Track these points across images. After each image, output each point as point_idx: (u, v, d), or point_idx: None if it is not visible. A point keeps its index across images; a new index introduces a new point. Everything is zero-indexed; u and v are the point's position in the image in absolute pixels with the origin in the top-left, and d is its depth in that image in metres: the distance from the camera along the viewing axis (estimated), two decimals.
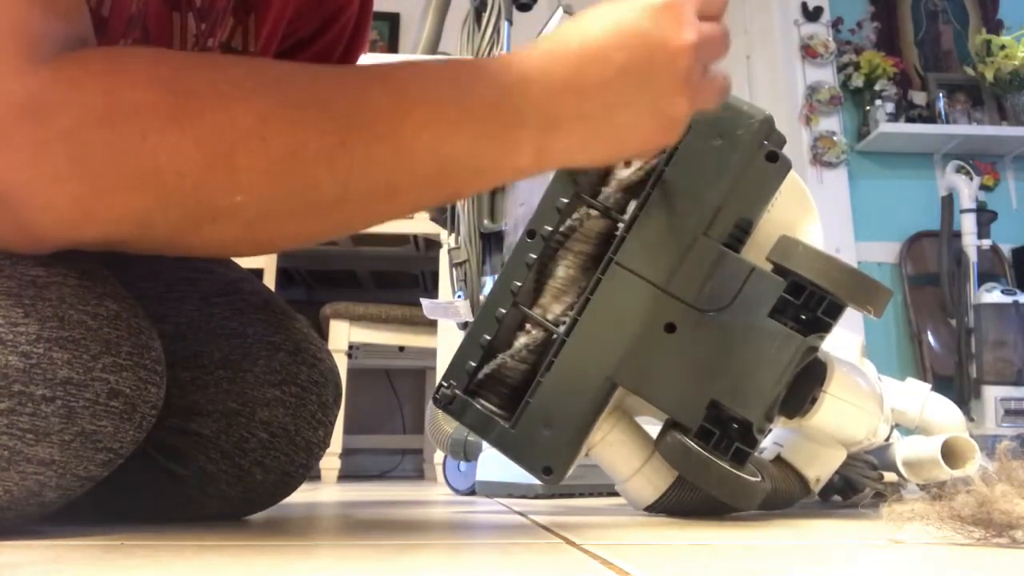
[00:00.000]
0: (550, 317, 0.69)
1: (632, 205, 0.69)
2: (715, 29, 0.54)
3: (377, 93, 0.49)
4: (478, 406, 0.69)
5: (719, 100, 0.56)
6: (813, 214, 0.73)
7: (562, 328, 0.67)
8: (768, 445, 0.80)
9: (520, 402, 0.68)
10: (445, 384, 0.71)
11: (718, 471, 0.64)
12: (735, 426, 0.66)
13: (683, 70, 0.51)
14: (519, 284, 0.69)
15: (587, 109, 0.51)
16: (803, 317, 0.67)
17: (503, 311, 0.69)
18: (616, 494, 0.79)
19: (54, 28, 0.45)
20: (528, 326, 0.70)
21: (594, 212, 0.68)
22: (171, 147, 0.44)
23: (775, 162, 0.67)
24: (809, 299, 0.66)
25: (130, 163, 0.44)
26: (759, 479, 0.66)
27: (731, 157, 0.66)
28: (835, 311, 0.66)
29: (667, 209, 0.66)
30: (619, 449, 0.71)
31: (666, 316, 0.66)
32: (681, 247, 0.66)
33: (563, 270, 0.69)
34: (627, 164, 0.68)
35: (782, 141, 0.68)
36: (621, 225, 0.68)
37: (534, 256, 0.69)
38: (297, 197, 0.47)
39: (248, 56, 0.55)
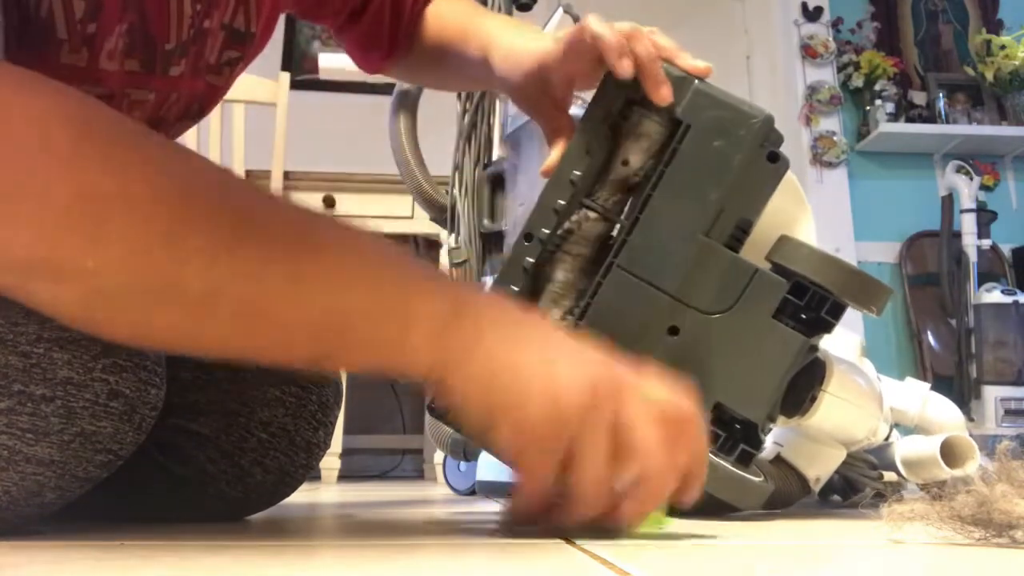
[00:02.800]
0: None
1: (629, 206, 0.68)
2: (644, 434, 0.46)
3: (291, 214, 0.46)
4: None
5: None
6: (806, 211, 0.73)
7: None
8: (768, 444, 0.80)
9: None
10: None
11: (724, 473, 0.64)
12: (737, 427, 0.66)
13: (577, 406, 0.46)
14: (516, 288, 0.68)
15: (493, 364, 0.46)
16: (803, 317, 0.67)
17: None
18: None
19: None
20: None
21: (592, 215, 0.68)
22: (45, 178, 0.40)
23: (775, 162, 0.66)
24: (811, 299, 0.66)
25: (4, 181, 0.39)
26: (762, 479, 0.66)
27: (733, 158, 0.65)
28: (837, 311, 0.66)
29: (668, 211, 0.65)
30: None
31: (669, 319, 0.66)
32: (683, 249, 0.65)
33: (561, 274, 0.68)
34: (625, 163, 0.67)
35: (781, 140, 0.67)
36: (619, 227, 0.68)
37: (531, 260, 0.67)
38: (151, 282, 0.41)
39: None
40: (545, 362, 0.47)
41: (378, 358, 0.46)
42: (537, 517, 0.48)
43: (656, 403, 0.48)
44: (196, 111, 0.69)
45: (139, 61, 0.59)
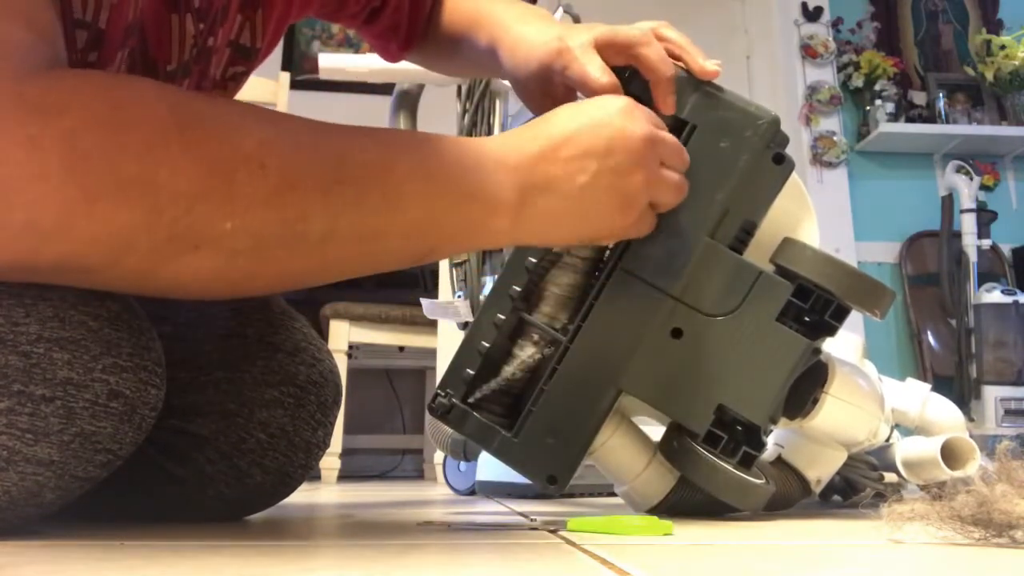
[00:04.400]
0: (551, 322, 0.67)
1: None
2: (675, 143, 0.61)
3: (367, 142, 0.51)
4: (477, 415, 0.67)
5: (674, 196, 0.61)
6: (810, 213, 0.73)
7: (563, 334, 0.66)
8: (769, 446, 0.80)
9: (521, 409, 0.66)
10: (441, 393, 0.68)
11: (726, 475, 0.63)
12: (739, 428, 0.66)
13: (637, 153, 0.57)
14: (518, 289, 0.67)
15: (556, 183, 0.56)
16: (807, 319, 0.67)
17: (502, 317, 0.67)
18: (615, 494, 0.79)
19: (39, 44, 0.45)
20: (530, 332, 0.68)
21: None
22: (172, 162, 0.43)
23: (781, 164, 0.66)
24: (815, 303, 0.66)
25: (128, 172, 0.43)
26: (764, 481, 0.66)
27: (739, 159, 0.65)
28: (841, 314, 0.66)
29: (673, 211, 0.65)
30: (621, 453, 0.71)
31: (672, 321, 0.65)
32: (687, 251, 0.65)
33: (564, 275, 0.68)
34: None
35: (786, 141, 0.67)
36: None
37: (533, 260, 0.67)
38: (286, 229, 0.47)
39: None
40: (603, 181, 0.57)
41: (469, 245, 0.57)
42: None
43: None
44: None
45: None
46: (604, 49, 0.64)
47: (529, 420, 0.65)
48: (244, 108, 0.48)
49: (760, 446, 0.66)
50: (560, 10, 1.37)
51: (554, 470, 0.65)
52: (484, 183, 0.54)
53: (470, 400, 0.68)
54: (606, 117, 0.57)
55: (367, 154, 0.51)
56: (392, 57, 0.86)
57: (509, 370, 0.67)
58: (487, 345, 0.68)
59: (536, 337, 0.68)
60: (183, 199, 0.44)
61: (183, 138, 0.44)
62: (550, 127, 0.57)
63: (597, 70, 0.62)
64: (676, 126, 0.65)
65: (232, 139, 0.45)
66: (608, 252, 0.68)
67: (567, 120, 0.58)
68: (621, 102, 0.59)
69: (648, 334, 0.65)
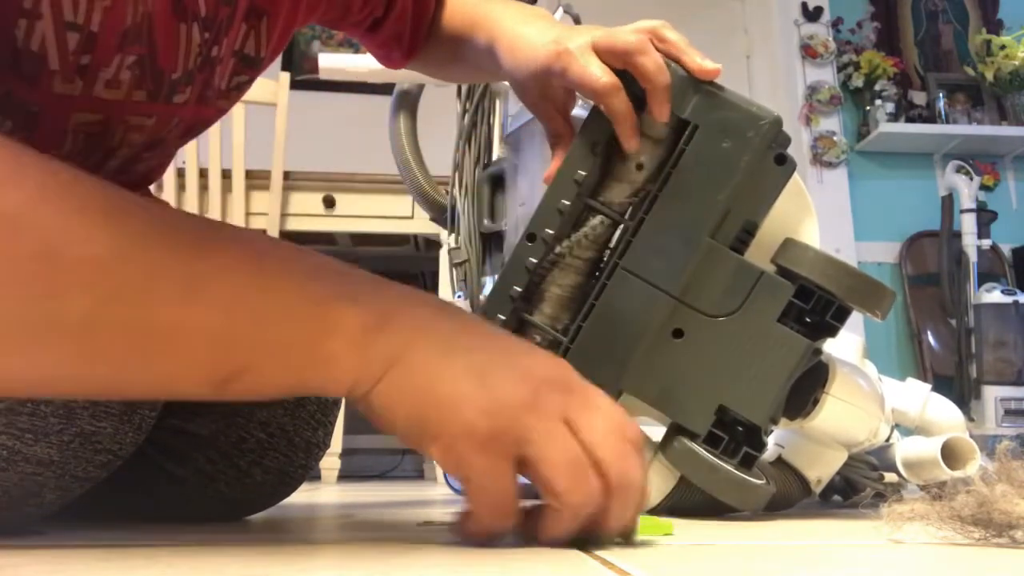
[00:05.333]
0: (552, 323, 0.67)
1: (634, 207, 0.68)
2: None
3: (184, 222, 0.42)
4: None
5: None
6: (811, 213, 0.73)
7: (563, 335, 0.66)
8: (769, 446, 0.80)
9: None
10: None
11: (727, 476, 0.63)
12: (740, 429, 0.66)
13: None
14: (519, 290, 0.67)
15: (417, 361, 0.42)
16: (807, 320, 0.67)
17: (502, 318, 0.67)
18: None
19: None
20: (531, 333, 0.68)
21: (606, 220, 0.66)
22: None
23: (782, 164, 0.66)
24: (816, 303, 0.66)
25: None
26: (764, 481, 0.66)
27: (740, 159, 0.64)
28: (842, 315, 0.66)
29: (673, 212, 0.64)
30: None
31: (673, 322, 0.65)
32: (688, 251, 0.65)
33: (565, 275, 0.67)
34: (639, 168, 0.66)
35: (788, 142, 0.67)
36: (624, 228, 0.67)
37: (534, 260, 0.66)
38: (35, 307, 0.36)
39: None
40: (481, 364, 0.43)
41: (293, 373, 0.41)
42: (501, 531, 0.44)
43: (606, 412, 0.44)
44: (199, 129, 0.68)
45: (146, 92, 0.58)
46: (602, 54, 0.63)
47: None
48: (22, 155, 0.38)
49: (761, 446, 0.66)
50: (560, 10, 1.37)
51: None
52: (326, 305, 0.41)
53: None
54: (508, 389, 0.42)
55: (177, 233, 0.40)
56: (395, 65, 0.85)
57: None
58: None
59: (538, 338, 0.67)
60: None
61: None
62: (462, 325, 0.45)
63: (598, 70, 0.62)
64: (678, 126, 0.65)
65: None
66: (609, 252, 0.68)
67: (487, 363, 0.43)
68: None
69: (649, 334, 0.65)
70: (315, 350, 0.41)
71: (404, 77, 1.46)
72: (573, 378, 0.45)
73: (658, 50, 0.64)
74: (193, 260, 0.39)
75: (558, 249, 0.67)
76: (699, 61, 0.64)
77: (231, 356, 0.40)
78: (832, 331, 0.67)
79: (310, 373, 0.41)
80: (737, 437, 0.66)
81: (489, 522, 0.43)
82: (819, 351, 0.68)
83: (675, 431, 0.67)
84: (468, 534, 0.44)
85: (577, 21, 1.37)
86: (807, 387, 0.70)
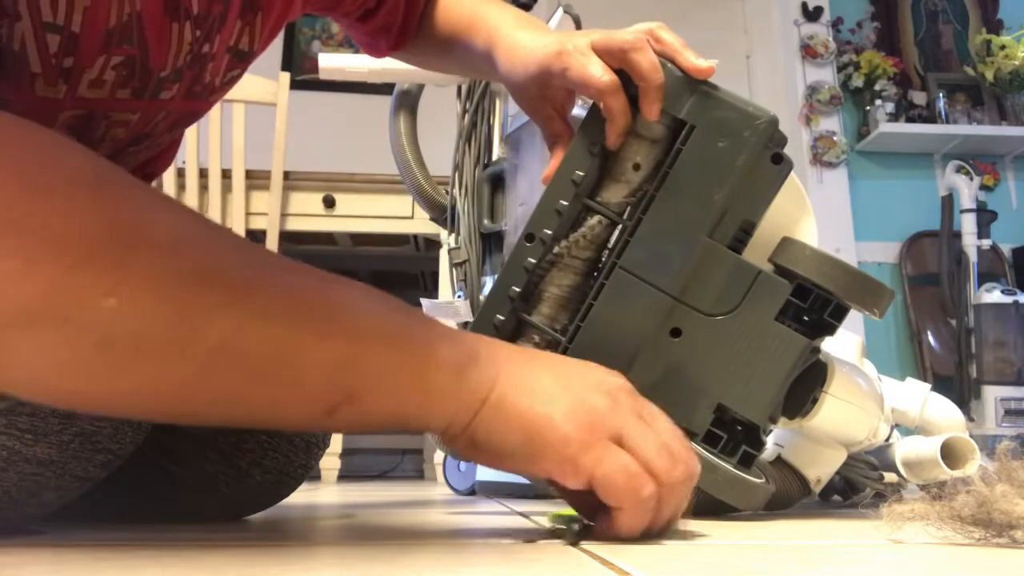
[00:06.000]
0: (551, 323, 0.67)
1: (631, 207, 0.68)
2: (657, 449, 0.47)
3: (304, 271, 0.43)
4: None
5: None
6: (808, 212, 0.73)
7: (562, 335, 0.66)
8: (768, 445, 0.80)
9: None
10: None
11: (726, 475, 0.63)
12: (739, 428, 0.66)
13: (571, 455, 0.45)
14: (517, 290, 0.67)
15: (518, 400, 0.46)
16: (806, 319, 0.67)
17: (501, 318, 0.67)
18: None
19: None
20: (530, 334, 0.67)
21: (604, 220, 0.66)
22: (76, 212, 0.36)
23: (779, 164, 0.66)
24: (814, 302, 0.66)
25: (15, 208, 0.34)
26: (763, 481, 0.66)
27: (737, 159, 0.64)
28: (840, 313, 0.66)
29: (671, 211, 0.64)
30: None
31: (671, 321, 0.65)
32: (686, 251, 0.65)
33: (563, 275, 0.67)
34: (636, 168, 0.66)
35: (784, 141, 0.67)
36: (621, 228, 0.67)
37: (533, 261, 0.66)
38: (177, 326, 0.37)
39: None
40: (563, 380, 0.48)
41: (399, 405, 0.44)
42: (648, 508, 0.47)
43: (662, 415, 0.50)
44: (186, 122, 0.68)
45: (131, 90, 0.57)
46: (601, 54, 0.64)
47: None
48: (166, 199, 0.41)
49: (760, 445, 0.66)
50: (560, 10, 1.37)
51: None
52: (428, 344, 0.45)
53: None
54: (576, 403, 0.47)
55: (300, 267, 0.43)
56: (379, 54, 0.85)
57: None
58: None
59: (537, 339, 0.67)
60: (72, 253, 0.35)
61: (96, 191, 0.37)
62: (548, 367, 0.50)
63: (599, 69, 0.63)
64: (674, 126, 0.65)
65: (147, 214, 0.38)
66: (607, 252, 0.68)
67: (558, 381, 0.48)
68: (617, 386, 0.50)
69: (647, 334, 0.65)
70: (421, 381, 0.44)
71: (404, 76, 1.46)
72: (631, 385, 0.51)
73: (654, 51, 0.64)
74: (315, 302, 0.42)
75: (556, 249, 0.67)
76: (694, 61, 0.64)
77: (343, 389, 0.42)
78: (830, 330, 0.67)
79: (414, 405, 0.44)
80: (736, 436, 0.66)
81: (632, 503, 0.46)
82: (817, 350, 0.69)
83: None
84: (622, 531, 0.47)
85: (577, 22, 1.37)
86: (806, 386, 0.70)
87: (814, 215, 0.73)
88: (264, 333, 0.39)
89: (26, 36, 0.49)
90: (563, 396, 0.46)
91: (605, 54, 0.64)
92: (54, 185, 0.35)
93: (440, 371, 0.44)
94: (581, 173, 0.65)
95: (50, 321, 0.35)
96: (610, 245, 0.68)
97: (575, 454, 0.45)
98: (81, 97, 0.54)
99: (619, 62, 0.63)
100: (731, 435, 0.65)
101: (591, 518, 0.50)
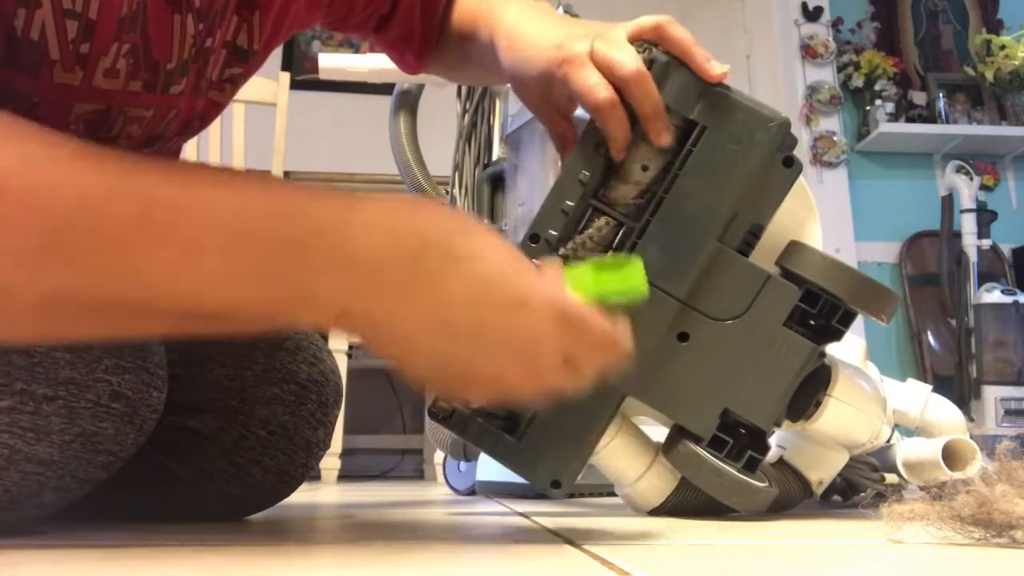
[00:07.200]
0: None
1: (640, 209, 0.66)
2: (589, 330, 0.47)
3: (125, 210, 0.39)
4: (479, 420, 0.65)
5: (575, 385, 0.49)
6: (814, 215, 0.73)
7: None
8: (771, 447, 0.80)
9: (523, 412, 0.65)
10: None
11: (731, 479, 0.63)
12: (743, 431, 0.66)
13: (504, 376, 0.46)
14: None
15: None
16: (812, 323, 0.67)
17: None
18: (616, 494, 0.79)
19: None
20: None
21: (611, 222, 0.65)
22: None
23: (790, 167, 0.65)
24: (823, 307, 0.65)
25: None
26: (767, 484, 0.66)
27: (748, 162, 0.63)
28: (847, 319, 0.65)
29: (680, 214, 0.63)
30: (622, 455, 0.71)
31: (679, 325, 0.64)
32: (695, 254, 0.64)
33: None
34: (644, 169, 0.65)
35: (795, 143, 0.66)
36: (630, 230, 0.65)
37: (537, 262, 0.66)
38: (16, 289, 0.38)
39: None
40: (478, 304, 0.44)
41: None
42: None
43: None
44: (196, 125, 0.68)
45: (142, 83, 0.58)
46: (601, 68, 0.61)
47: (533, 425, 0.64)
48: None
49: (764, 449, 0.66)
50: (560, 10, 1.37)
51: (558, 474, 0.65)
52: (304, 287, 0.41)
53: (476, 408, 0.67)
54: (511, 306, 0.45)
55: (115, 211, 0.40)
56: (411, 68, 0.82)
57: None
58: None
59: None
60: None
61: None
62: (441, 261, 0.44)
63: (599, 87, 0.60)
64: (685, 127, 0.64)
65: None
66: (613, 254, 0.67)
67: (469, 283, 0.45)
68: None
69: (654, 338, 0.65)
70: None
71: (404, 77, 1.46)
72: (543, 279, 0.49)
73: (662, 50, 0.63)
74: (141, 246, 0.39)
75: (562, 251, 0.66)
76: (706, 65, 0.62)
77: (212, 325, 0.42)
78: (837, 335, 0.66)
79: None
80: (741, 440, 0.65)
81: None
82: (823, 354, 0.68)
83: (678, 434, 0.67)
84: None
85: None
86: (810, 389, 0.69)
87: (818, 216, 0.73)
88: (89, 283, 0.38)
89: (46, 23, 0.50)
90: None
91: (605, 70, 0.61)
92: None
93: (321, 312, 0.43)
94: (587, 173, 0.64)
95: None
96: (616, 247, 0.67)
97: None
98: (97, 88, 0.55)
99: (618, 85, 0.61)
100: (736, 439, 0.65)
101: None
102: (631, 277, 0.52)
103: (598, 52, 0.61)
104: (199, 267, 0.39)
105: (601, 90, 0.60)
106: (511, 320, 0.45)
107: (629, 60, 0.60)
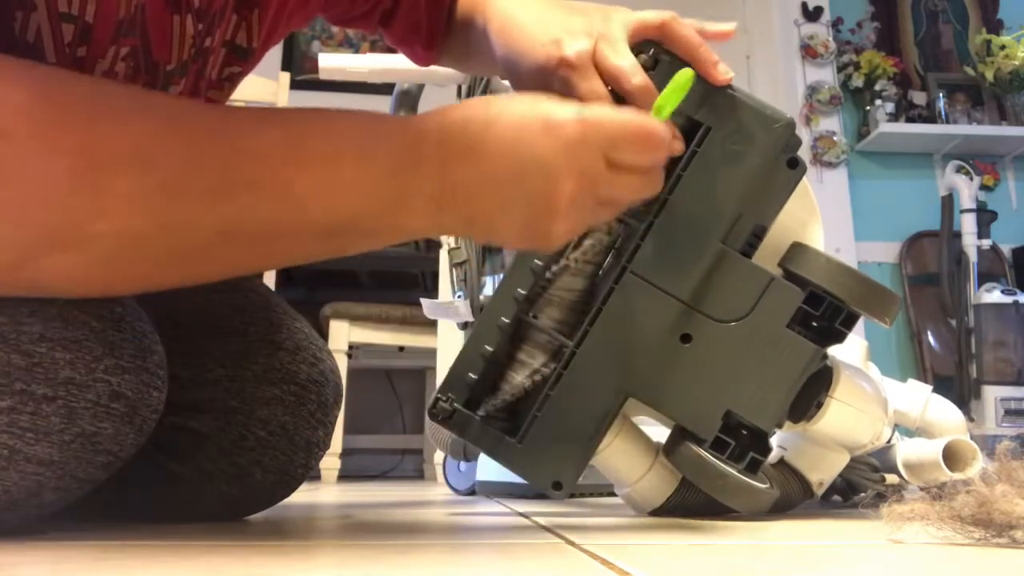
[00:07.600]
0: (559, 327, 0.66)
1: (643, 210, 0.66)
2: (626, 176, 0.52)
3: (274, 138, 0.46)
4: (479, 420, 0.65)
5: (634, 194, 0.55)
6: (817, 215, 0.73)
7: (569, 339, 0.65)
8: (772, 448, 0.80)
9: (522, 412, 0.65)
10: (443, 397, 0.66)
11: (733, 481, 0.63)
12: (744, 432, 0.66)
13: (562, 201, 0.50)
14: (523, 292, 0.65)
15: (476, 196, 0.50)
16: (814, 325, 0.66)
17: (506, 320, 0.66)
18: (616, 494, 0.79)
19: None
20: (537, 338, 0.66)
21: (614, 223, 0.65)
22: (36, 156, 0.40)
23: (795, 168, 0.65)
24: (826, 309, 0.65)
25: None
26: (769, 485, 0.66)
27: (753, 163, 0.63)
28: (850, 321, 0.65)
29: (684, 215, 0.63)
30: (623, 456, 0.70)
31: (682, 327, 0.64)
32: (698, 256, 0.64)
33: (572, 279, 0.66)
34: None
35: (799, 144, 0.65)
36: (633, 231, 0.65)
37: (539, 262, 0.65)
38: (169, 236, 0.44)
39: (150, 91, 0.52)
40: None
41: (379, 244, 0.51)
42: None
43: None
44: None
45: (142, 84, 0.57)
46: (602, 72, 0.60)
47: (534, 426, 0.64)
48: (133, 96, 0.46)
49: (766, 451, 0.66)
50: None
51: (559, 475, 0.65)
52: (402, 189, 0.49)
53: (479, 412, 0.66)
54: (543, 151, 0.50)
55: (270, 153, 0.46)
56: (421, 60, 0.82)
57: (519, 379, 0.65)
58: (490, 349, 0.66)
59: (545, 343, 0.66)
60: (50, 196, 0.41)
61: (47, 131, 0.41)
62: (483, 133, 0.50)
63: (605, 99, 0.59)
64: (689, 127, 0.64)
65: (103, 133, 0.42)
66: (616, 255, 0.67)
67: (503, 138, 0.50)
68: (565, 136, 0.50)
69: (657, 339, 0.64)
70: (399, 231, 0.50)
71: (404, 76, 1.45)
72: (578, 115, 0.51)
73: (668, 50, 0.62)
74: (292, 179, 0.46)
75: (566, 252, 0.66)
76: (713, 71, 0.62)
77: (332, 247, 0.49)
78: (840, 337, 0.66)
79: (396, 240, 0.51)
80: (743, 442, 0.65)
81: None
82: (826, 356, 0.68)
83: (680, 435, 0.67)
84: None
85: None
86: (811, 390, 0.69)
87: (820, 216, 0.73)
88: (250, 224, 0.45)
89: (42, 26, 0.50)
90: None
91: (609, 80, 0.60)
92: (8, 132, 0.40)
93: (412, 220, 0.49)
94: None
95: (55, 249, 0.42)
96: (620, 248, 0.66)
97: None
98: None
99: (623, 96, 0.60)
100: (738, 441, 0.65)
101: None
102: (677, 79, 0.55)
103: (602, 59, 0.60)
104: (340, 177, 0.46)
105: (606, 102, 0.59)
106: (542, 145, 0.49)
107: (634, 71, 0.59)
